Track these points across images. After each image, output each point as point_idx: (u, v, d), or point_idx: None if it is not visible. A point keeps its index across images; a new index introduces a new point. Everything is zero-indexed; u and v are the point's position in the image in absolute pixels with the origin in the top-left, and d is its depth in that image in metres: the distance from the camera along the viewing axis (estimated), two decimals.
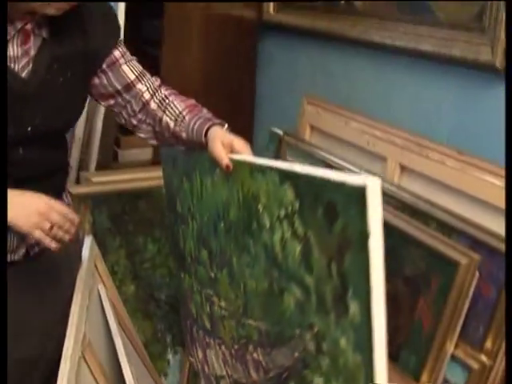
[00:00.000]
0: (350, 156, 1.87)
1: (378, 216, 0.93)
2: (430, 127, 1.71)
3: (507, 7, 1.29)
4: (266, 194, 1.32)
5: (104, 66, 1.36)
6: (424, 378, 1.38)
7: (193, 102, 1.45)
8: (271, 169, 1.23)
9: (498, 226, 1.37)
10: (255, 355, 1.70)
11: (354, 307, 1.08)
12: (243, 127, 2.50)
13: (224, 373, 1.93)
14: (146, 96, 1.42)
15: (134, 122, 1.45)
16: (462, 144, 1.55)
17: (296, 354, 1.47)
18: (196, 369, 2.05)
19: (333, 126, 1.99)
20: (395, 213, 1.53)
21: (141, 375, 1.61)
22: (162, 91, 1.45)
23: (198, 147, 1.38)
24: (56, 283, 1.52)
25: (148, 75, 1.45)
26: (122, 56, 1.39)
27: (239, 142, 1.30)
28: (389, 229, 1.51)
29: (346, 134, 1.93)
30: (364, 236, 0.95)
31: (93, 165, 2.35)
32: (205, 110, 1.43)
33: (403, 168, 1.69)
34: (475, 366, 1.33)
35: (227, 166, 1.30)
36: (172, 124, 1.41)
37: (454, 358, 1.37)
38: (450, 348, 1.35)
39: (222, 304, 1.78)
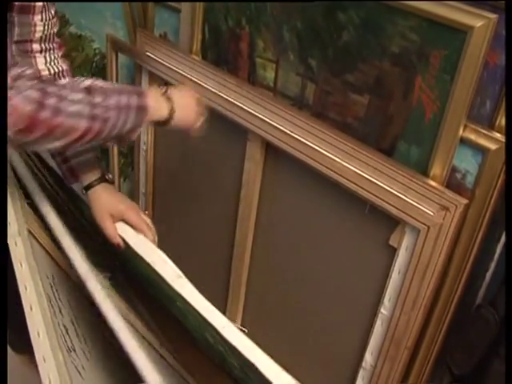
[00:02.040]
0: None
1: None
2: None
3: (507, 7, 1.05)
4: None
5: None
6: (436, 170, 1.19)
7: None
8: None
9: None
10: None
11: None
12: None
13: None
14: (37, 35, 1.16)
15: None
16: None
17: None
18: None
19: None
20: None
21: None
22: (59, 60, 1.26)
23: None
24: None
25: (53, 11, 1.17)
26: None
27: (132, 216, 1.23)
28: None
29: None
30: None
31: None
32: None
33: None
34: (493, 146, 1.14)
35: (118, 245, 1.20)
36: None
37: (461, 141, 1.18)
38: (460, 131, 1.15)
39: None
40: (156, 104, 1.13)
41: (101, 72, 2.05)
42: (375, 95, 1.27)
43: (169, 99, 1.16)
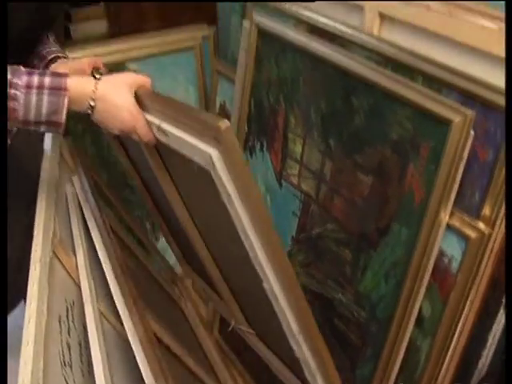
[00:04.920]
0: (323, 8, 1.64)
1: None
2: None
3: (507, 7, 1.13)
4: None
5: None
6: (418, 250, 1.25)
7: None
8: None
9: (494, 76, 1.19)
10: None
11: None
12: None
13: None
14: None
15: None
16: None
17: None
18: None
19: None
20: (376, 68, 1.34)
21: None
22: None
23: None
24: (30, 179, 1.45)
25: None
26: None
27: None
28: (370, 86, 1.34)
29: None
30: None
31: None
32: None
33: (382, 16, 1.48)
34: (473, 234, 1.20)
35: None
36: None
37: (449, 228, 1.24)
38: (445, 218, 1.22)
39: None
40: (78, 87, 1.09)
41: None
42: (377, 177, 1.35)
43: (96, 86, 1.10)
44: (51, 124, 1.09)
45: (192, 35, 2.19)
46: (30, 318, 1.10)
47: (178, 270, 2.31)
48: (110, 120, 1.11)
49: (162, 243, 2.27)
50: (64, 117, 1.08)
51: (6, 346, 0.98)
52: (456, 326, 1.26)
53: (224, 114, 2.00)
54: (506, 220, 1.07)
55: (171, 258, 2.29)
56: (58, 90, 1.07)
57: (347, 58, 1.41)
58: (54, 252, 1.32)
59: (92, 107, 1.09)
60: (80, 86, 1.09)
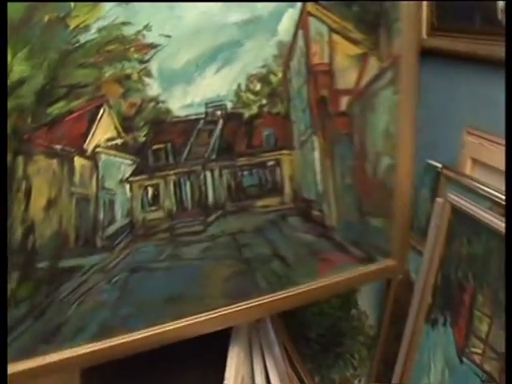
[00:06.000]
0: None
1: None
2: None
3: (507, 7, 1.18)
4: None
5: None
6: None
7: None
8: None
9: None
10: None
11: None
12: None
13: None
14: None
15: None
16: None
17: None
18: None
19: (497, 159, 1.82)
20: None
21: None
22: None
23: None
24: None
25: None
26: None
27: None
28: None
29: None
30: None
31: None
32: None
33: None
34: None
35: None
36: None
37: None
38: None
39: None
40: None
41: None
42: None
43: None
44: None
45: None
46: None
47: None
48: None
49: None
50: None
51: (6, 345, 0.98)
52: None
53: (408, 283, 2.05)
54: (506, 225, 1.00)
55: None
56: None
57: None
58: None
59: None
60: None
